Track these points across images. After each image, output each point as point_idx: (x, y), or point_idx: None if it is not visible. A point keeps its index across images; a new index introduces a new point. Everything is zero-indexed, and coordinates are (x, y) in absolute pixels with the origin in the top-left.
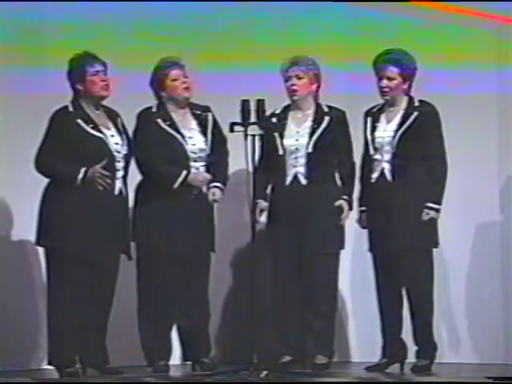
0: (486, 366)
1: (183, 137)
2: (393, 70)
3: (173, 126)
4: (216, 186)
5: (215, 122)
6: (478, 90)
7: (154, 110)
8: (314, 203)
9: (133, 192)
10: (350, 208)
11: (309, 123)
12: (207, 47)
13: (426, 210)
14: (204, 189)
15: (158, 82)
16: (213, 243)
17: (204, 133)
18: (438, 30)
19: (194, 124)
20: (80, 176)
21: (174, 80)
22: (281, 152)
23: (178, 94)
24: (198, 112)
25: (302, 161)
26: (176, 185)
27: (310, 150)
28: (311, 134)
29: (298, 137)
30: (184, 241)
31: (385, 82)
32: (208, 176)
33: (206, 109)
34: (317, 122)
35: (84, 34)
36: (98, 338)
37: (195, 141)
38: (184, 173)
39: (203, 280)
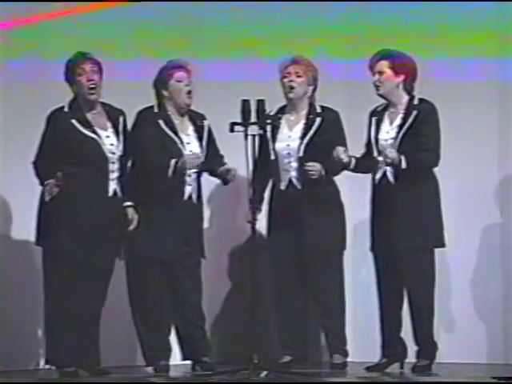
0: (486, 366)
1: (181, 142)
2: (382, 63)
3: (173, 129)
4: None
5: (210, 130)
6: (478, 83)
7: (155, 110)
8: (312, 206)
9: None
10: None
11: (301, 126)
12: (207, 46)
13: (391, 150)
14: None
15: (161, 82)
16: (202, 250)
17: (199, 139)
18: (439, 19)
19: (190, 130)
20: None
21: (178, 81)
22: (273, 157)
23: (179, 96)
24: (195, 118)
25: (295, 165)
26: (170, 173)
27: (301, 154)
28: (302, 138)
29: (289, 141)
30: (171, 245)
31: (376, 77)
32: (199, 154)
33: (202, 116)
34: (308, 124)
35: (84, 30)
36: (90, 338)
37: (192, 147)
38: (173, 161)
39: (194, 284)
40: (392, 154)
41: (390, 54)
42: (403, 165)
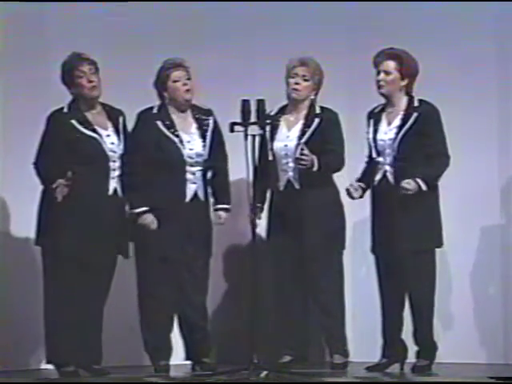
0: (486, 366)
1: (181, 141)
2: (390, 64)
3: (172, 128)
4: (221, 209)
5: (216, 126)
6: (478, 83)
7: (154, 111)
8: (311, 206)
9: None
10: None
11: (299, 126)
12: (207, 46)
13: (407, 180)
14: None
15: (159, 83)
16: (209, 249)
17: (203, 137)
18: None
19: (193, 127)
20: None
21: (175, 81)
22: (271, 157)
23: (178, 95)
24: (199, 115)
25: (292, 165)
26: (135, 212)
27: (298, 154)
28: (300, 138)
29: (287, 141)
30: (176, 244)
31: (381, 76)
32: (156, 223)
33: (208, 112)
34: (307, 124)
35: (84, 32)
36: (92, 336)
37: (193, 145)
38: (142, 209)
39: (200, 285)
40: (410, 185)
41: (397, 54)
42: (423, 188)
